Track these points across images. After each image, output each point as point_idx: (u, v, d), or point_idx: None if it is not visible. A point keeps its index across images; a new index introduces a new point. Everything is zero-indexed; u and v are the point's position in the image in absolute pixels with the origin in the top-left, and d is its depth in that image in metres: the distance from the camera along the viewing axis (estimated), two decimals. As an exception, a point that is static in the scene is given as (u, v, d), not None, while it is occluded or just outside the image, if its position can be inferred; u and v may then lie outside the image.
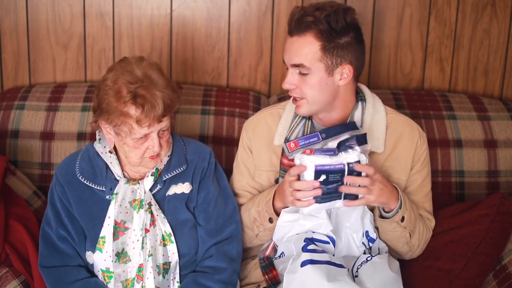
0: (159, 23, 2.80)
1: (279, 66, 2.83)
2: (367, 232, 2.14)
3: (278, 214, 2.14)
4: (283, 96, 2.75)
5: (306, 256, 2.01)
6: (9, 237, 2.28)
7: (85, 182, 2.14)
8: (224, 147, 2.60)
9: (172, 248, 2.12)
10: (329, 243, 2.10)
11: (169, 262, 2.12)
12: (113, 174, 2.13)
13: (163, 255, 2.11)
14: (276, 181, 2.23)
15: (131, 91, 1.98)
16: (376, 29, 2.82)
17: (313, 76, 2.07)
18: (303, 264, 1.99)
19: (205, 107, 2.67)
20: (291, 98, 2.18)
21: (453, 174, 2.61)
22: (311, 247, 2.04)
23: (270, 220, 2.16)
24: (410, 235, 2.16)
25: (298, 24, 2.05)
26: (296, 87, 2.09)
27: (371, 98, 2.20)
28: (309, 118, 2.20)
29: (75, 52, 2.82)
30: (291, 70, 2.09)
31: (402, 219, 2.10)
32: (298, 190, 2.01)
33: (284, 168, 2.20)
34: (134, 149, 2.05)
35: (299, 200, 2.01)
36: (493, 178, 2.61)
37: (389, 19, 2.81)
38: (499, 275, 2.26)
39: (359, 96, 2.19)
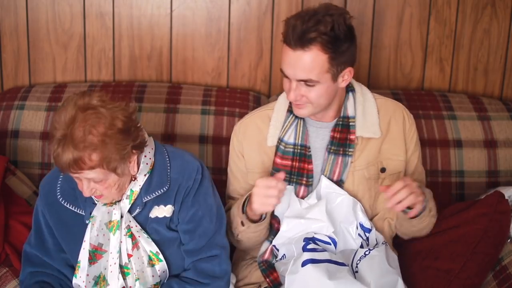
0: (159, 23, 2.80)
1: (279, 66, 2.82)
2: (361, 223, 2.15)
3: (250, 220, 2.12)
4: (283, 96, 2.75)
5: (307, 255, 2.01)
6: (9, 237, 2.28)
7: (66, 205, 2.07)
8: (224, 147, 2.60)
9: (161, 266, 2.06)
10: (330, 244, 2.10)
11: (160, 282, 2.07)
12: (92, 197, 2.04)
13: (152, 276, 2.06)
14: None
15: (57, 134, 1.88)
16: (376, 29, 2.82)
17: (321, 86, 2.06)
18: (304, 263, 1.99)
19: (205, 107, 2.67)
20: (280, 96, 2.20)
21: (453, 174, 2.61)
22: (311, 246, 2.05)
23: (242, 224, 2.13)
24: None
25: (302, 40, 2.01)
26: (302, 96, 2.09)
27: (359, 87, 2.24)
28: (302, 118, 2.20)
29: (75, 52, 2.82)
30: (296, 83, 2.07)
31: (430, 210, 2.14)
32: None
33: (277, 167, 2.19)
34: (77, 183, 1.97)
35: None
36: (493, 178, 2.61)
37: (389, 19, 2.81)
38: (499, 276, 2.26)
39: (348, 87, 2.22)
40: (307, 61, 2.02)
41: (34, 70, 2.84)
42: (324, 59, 2.02)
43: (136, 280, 2.03)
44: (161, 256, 2.05)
